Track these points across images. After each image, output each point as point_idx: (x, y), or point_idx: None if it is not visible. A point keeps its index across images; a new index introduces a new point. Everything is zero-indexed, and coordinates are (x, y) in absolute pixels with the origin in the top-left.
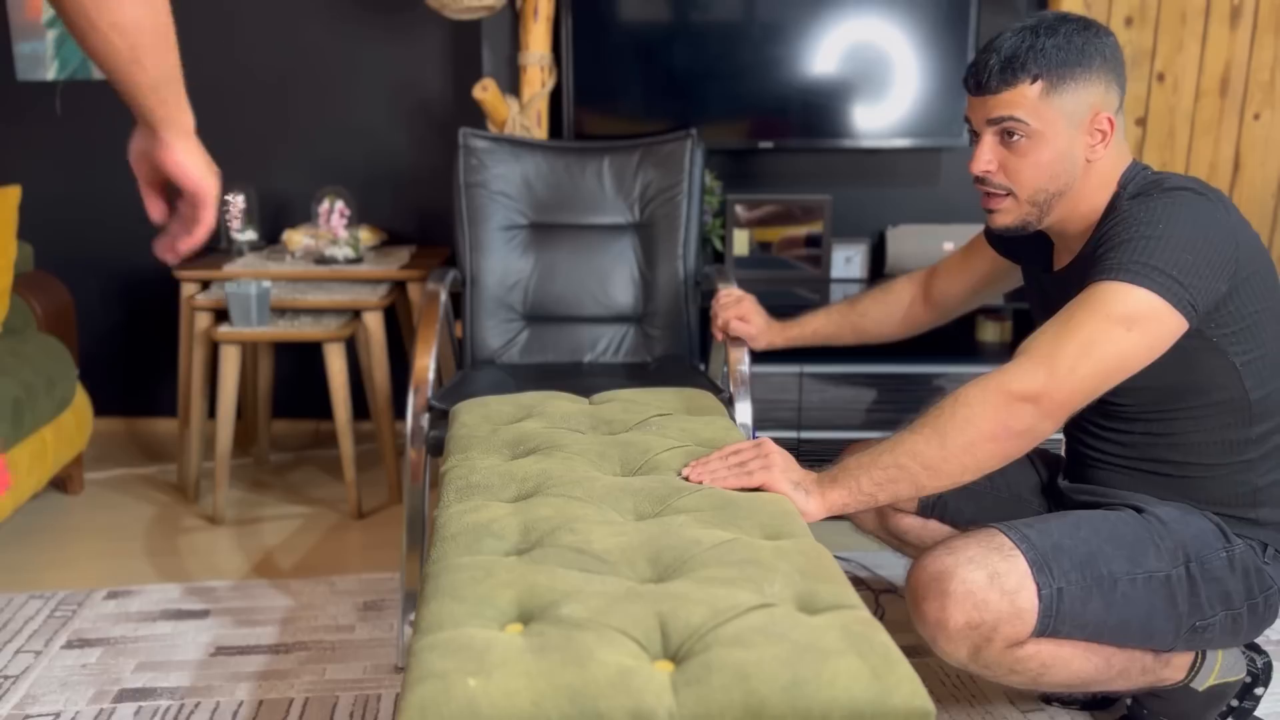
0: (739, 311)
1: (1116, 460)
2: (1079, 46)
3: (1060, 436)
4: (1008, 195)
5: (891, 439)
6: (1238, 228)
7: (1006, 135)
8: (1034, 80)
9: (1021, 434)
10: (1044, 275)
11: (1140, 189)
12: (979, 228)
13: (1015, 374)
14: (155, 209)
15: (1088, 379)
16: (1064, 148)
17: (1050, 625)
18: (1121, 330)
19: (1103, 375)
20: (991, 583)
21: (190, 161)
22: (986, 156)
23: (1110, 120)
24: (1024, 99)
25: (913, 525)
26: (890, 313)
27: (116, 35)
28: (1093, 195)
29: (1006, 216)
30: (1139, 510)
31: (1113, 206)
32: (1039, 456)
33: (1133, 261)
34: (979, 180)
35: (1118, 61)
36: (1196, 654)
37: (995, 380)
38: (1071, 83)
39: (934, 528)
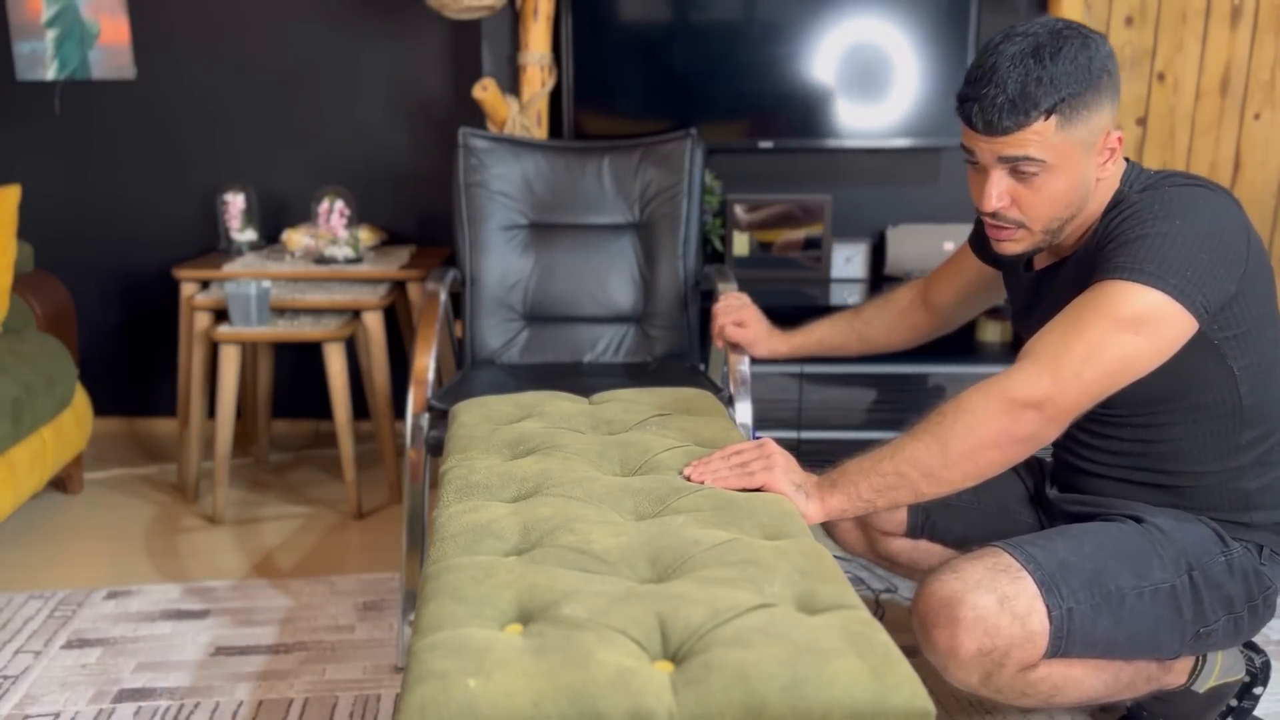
0: (737, 317)
1: (1107, 470)
2: (1085, 67)
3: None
4: (1020, 227)
5: (891, 445)
6: (1248, 224)
7: (1019, 170)
8: (1048, 115)
9: (1024, 440)
10: (1024, 274)
11: (1149, 183)
12: None
13: (1018, 379)
14: None
15: (1093, 384)
16: (1078, 175)
17: (1062, 646)
18: (1129, 333)
19: (1109, 379)
20: (1002, 607)
21: None
22: (998, 192)
23: (1119, 138)
24: (1038, 136)
25: (903, 548)
26: (893, 320)
27: None
28: (1090, 205)
29: (1017, 245)
30: (1138, 520)
31: (1117, 202)
32: (1022, 465)
33: (1145, 259)
34: (989, 214)
35: (1117, 72)
36: (1197, 657)
37: (998, 386)
38: (1085, 110)
39: (924, 548)
